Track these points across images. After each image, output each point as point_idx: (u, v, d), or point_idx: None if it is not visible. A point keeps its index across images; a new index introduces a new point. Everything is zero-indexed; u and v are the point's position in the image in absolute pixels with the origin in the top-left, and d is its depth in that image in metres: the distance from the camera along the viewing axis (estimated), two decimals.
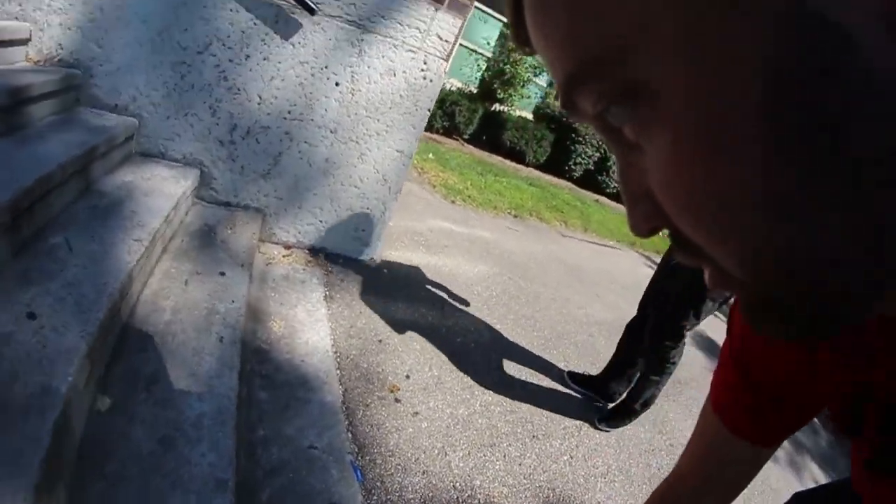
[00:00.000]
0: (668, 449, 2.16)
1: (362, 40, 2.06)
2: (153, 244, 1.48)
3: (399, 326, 2.10)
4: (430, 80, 2.23)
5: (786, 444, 2.56)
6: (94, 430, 1.00)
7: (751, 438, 0.50)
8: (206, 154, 2.05)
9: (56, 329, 1.00)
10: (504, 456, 1.70)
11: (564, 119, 7.26)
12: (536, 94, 8.74)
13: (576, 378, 2.27)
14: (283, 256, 2.22)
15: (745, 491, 0.55)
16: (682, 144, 0.17)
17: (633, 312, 2.18)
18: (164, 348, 1.29)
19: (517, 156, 7.06)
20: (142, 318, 1.36)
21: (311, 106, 2.10)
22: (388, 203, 2.43)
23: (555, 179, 7.16)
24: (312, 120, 2.13)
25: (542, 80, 8.55)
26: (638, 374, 2.12)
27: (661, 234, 0.24)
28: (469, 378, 1.99)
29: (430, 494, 1.45)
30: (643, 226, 0.22)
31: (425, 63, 2.19)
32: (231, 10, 1.87)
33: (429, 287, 2.55)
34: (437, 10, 2.11)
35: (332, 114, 2.14)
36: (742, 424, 0.50)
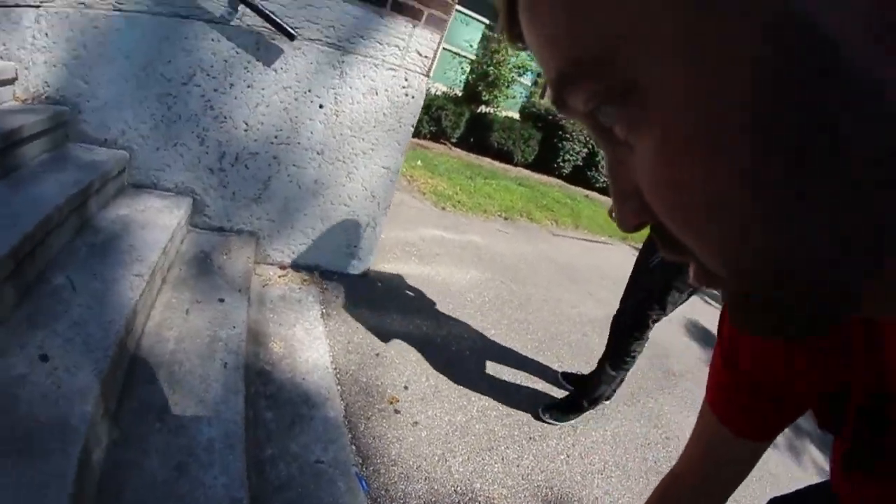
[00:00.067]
0: (664, 442, 2.20)
1: (343, 62, 2.12)
2: (153, 277, 1.53)
3: (395, 339, 2.16)
4: (412, 97, 2.29)
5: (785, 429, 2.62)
6: (110, 463, 1.06)
7: (750, 436, 0.52)
8: (198, 182, 2.10)
9: (68, 369, 1.05)
10: (502, 458, 1.77)
11: (551, 117, 7.32)
12: (521, 93, 8.79)
13: (569, 378, 2.34)
14: (279, 277, 2.28)
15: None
16: (677, 144, 0.17)
17: None
18: (171, 378, 1.35)
19: (505, 156, 7.11)
20: (147, 349, 1.42)
21: (297, 129, 2.16)
22: (378, 218, 2.49)
23: (544, 178, 7.21)
24: (299, 143, 2.18)
25: (527, 80, 8.61)
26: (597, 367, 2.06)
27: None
28: (465, 385, 2.05)
29: (433, 499, 1.51)
30: (631, 222, 0.23)
31: (406, 80, 2.25)
32: (213, 40, 1.92)
33: (422, 297, 2.61)
34: (414, 26, 2.17)
35: (318, 136, 2.20)
36: (741, 423, 0.51)
